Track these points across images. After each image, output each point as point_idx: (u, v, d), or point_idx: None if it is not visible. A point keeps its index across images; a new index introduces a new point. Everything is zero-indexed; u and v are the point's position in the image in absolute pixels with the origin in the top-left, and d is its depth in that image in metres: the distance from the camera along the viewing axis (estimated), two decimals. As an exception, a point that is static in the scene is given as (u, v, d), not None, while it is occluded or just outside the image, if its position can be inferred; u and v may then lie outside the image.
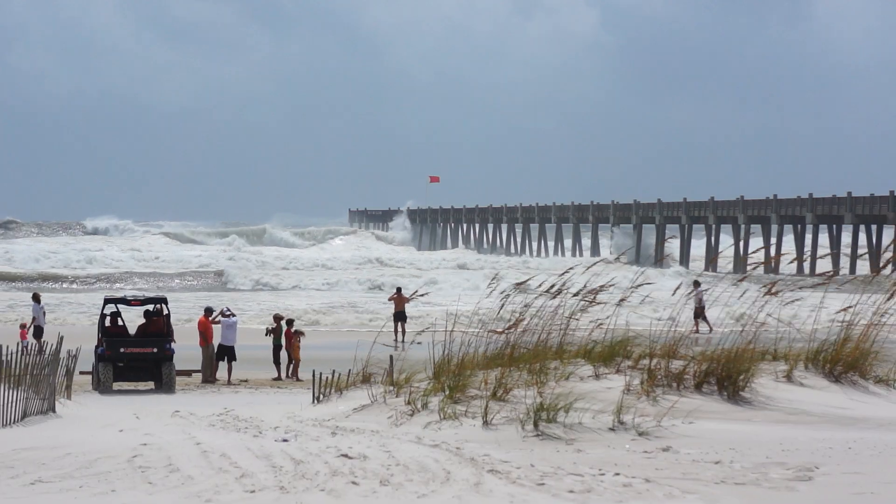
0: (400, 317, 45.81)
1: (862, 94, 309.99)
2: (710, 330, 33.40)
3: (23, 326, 38.09)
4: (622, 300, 18.97)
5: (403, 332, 44.73)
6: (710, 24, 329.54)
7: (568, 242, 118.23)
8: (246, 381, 32.55)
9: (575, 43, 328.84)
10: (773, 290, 18.43)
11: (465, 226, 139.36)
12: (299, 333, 34.22)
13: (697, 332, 34.75)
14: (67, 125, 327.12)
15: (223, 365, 32.89)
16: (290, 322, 34.64)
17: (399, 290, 47.91)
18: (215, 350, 32.96)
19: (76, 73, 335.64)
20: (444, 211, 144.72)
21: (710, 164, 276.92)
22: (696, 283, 43.19)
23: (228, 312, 33.97)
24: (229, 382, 32.18)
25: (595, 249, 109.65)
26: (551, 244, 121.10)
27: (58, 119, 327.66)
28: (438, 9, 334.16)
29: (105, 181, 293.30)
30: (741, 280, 19.04)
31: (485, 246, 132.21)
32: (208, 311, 34.14)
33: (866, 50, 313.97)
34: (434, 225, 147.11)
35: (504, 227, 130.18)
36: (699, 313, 42.32)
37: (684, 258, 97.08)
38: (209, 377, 32.55)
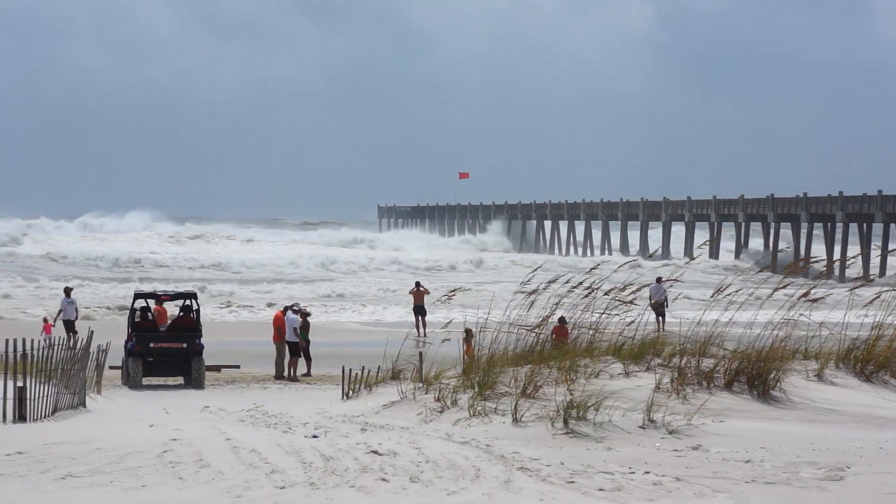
0: (419, 311, 45.08)
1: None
2: (663, 330, 32.32)
3: (45, 321, 38.11)
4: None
5: (424, 325, 44.20)
6: (751, 24, 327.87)
7: (634, 238, 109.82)
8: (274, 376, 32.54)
9: (619, 40, 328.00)
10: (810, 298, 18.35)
11: (533, 223, 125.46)
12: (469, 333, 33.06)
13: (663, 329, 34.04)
14: (113, 119, 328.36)
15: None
16: (469, 331, 33.31)
17: (418, 283, 47.05)
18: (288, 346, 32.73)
19: (123, 67, 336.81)
20: (526, 206, 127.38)
21: (741, 161, 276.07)
22: (659, 280, 42.21)
23: (297, 309, 33.71)
24: (292, 377, 32.01)
25: (666, 249, 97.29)
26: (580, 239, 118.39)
27: (104, 113, 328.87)
28: (489, 2, 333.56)
29: (149, 175, 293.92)
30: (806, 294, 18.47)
31: (552, 246, 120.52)
32: (286, 309, 33.89)
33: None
34: (537, 224, 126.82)
35: (533, 223, 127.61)
36: (661, 310, 41.39)
37: (714, 255, 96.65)
38: (281, 373, 32.36)
